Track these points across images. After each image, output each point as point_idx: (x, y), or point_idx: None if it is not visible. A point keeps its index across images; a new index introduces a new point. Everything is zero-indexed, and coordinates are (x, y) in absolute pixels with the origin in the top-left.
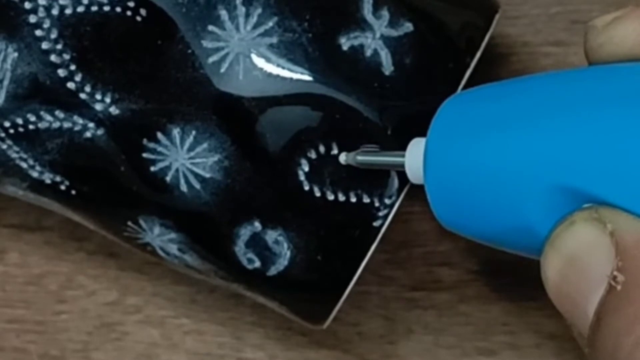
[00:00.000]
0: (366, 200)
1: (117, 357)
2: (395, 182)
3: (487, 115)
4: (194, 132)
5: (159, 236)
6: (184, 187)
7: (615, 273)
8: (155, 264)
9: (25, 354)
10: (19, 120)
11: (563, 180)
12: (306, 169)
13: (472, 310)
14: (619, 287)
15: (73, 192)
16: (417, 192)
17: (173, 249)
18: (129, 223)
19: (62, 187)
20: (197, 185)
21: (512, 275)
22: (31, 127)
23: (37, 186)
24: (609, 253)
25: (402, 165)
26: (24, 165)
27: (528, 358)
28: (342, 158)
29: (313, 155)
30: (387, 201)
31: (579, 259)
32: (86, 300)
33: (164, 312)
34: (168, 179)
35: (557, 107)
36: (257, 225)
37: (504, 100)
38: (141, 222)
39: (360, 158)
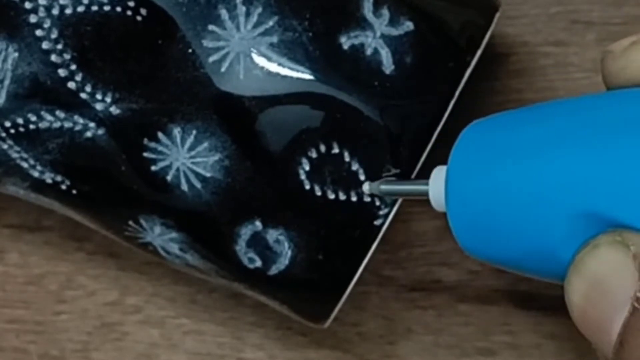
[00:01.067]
0: (367, 199)
1: (117, 357)
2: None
3: (507, 142)
4: (194, 132)
5: (160, 235)
6: (184, 187)
7: (638, 295)
8: (156, 264)
9: (25, 354)
10: (20, 120)
11: (585, 205)
12: (307, 168)
13: (472, 310)
14: None
15: (74, 191)
16: None
17: (174, 248)
18: (130, 222)
19: (63, 187)
20: (198, 185)
21: (512, 275)
22: (32, 126)
23: (38, 186)
24: (633, 275)
25: (426, 193)
26: (24, 165)
27: (528, 358)
28: (366, 188)
29: (314, 154)
30: (388, 200)
31: (603, 282)
32: (86, 300)
33: (164, 312)
34: (169, 178)
35: (578, 132)
36: (258, 224)
37: (524, 126)
38: (142, 221)
39: (384, 187)
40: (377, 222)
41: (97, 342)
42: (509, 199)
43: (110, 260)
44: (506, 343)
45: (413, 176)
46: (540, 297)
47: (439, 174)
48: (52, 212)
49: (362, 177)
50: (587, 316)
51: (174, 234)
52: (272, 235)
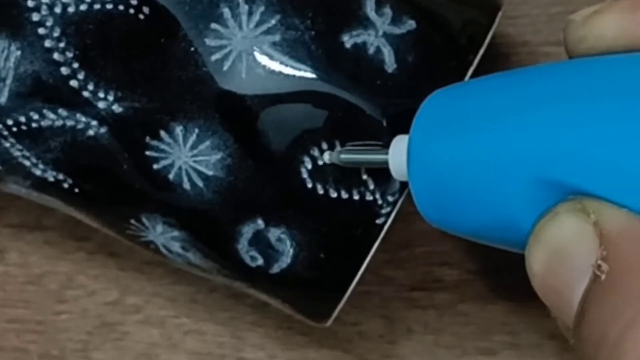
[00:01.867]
0: (369, 197)
1: (117, 356)
2: (398, 180)
3: (468, 111)
4: (196, 130)
5: (162, 234)
6: (186, 185)
7: (599, 262)
8: (156, 264)
9: (25, 354)
10: (22, 119)
11: (546, 173)
12: (309, 166)
13: (472, 310)
14: (603, 277)
15: (76, 190)
16: None
17: (176, 246)
18: (132, 221)
19: (65, 185)
20: (200, 183)
21: (512, 275)
22: (34, 125)
23: (40, 184)
24: (593, 243)
25: (386, 163)
26: (26, 163)
27: (528, 358)
28: (326, 157)
29: (316, 153)
30: (390, 198)
31: (564, 250)
32: (86, 300)
33: (164, 312)
34: (171, 177)
35: (537, 100)
36: (260, 223)
37: (484, 95)
38: (144, 220)
39: (343, 156)
40: (379, 221)
41: (97, 341)
42: (469, 168)
43: (110, 259)
44: (506, 343)
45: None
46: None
47: (399, 143)
48: (52, 211)
49: (364, 176)
50: (548, 285)
51: (175, 233)
52: (274, 233)
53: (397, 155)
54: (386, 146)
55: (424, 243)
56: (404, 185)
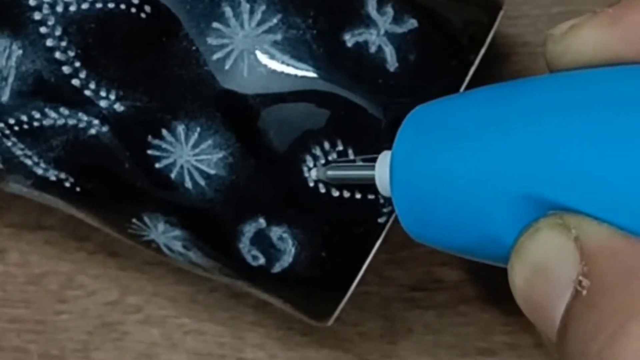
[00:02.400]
0: (371, 196)
1: (118, 356)
2: None
3: (450, 125)
4: (198, 129)
5: (164, 233)
6: (188, 184)
7: (580, 278)
8: (156, 263)
9: (25, 354)
10: (24, 117)
11: (527, 188)
12: (311, 165)
13: (472, 310)
14: (584, 292)
15: (78, 189)
16: None
17: (177, 246)
18: (134, 220)
19: (67, 185)
20: (202, 182)
21: None
22: (36, 124)
23: (42, 183)
24: (574, 258)
25: (372, 179)
26: (28, 162)
27: (528, 358)
28: (313, 174)
29: (318, 152)
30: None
31: (545, 266)
32: (86, 299)
33: (165, 312)
34: (173, 175)
35: (518, 115)
36: (262, 222)
37: (466, 110)
38: (145, 219)
39: (330, 173)
40: (380, 220)
41: (97, 341)
42: (451, 183)
43: (110, 259)
44: (506, 343)
45: None
46: None
47: (384, 158)
48: (52, 211)
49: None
50: (530, 300)
51: (177, 232)
52: (276, 232)
53: (383, 171)
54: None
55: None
56: None
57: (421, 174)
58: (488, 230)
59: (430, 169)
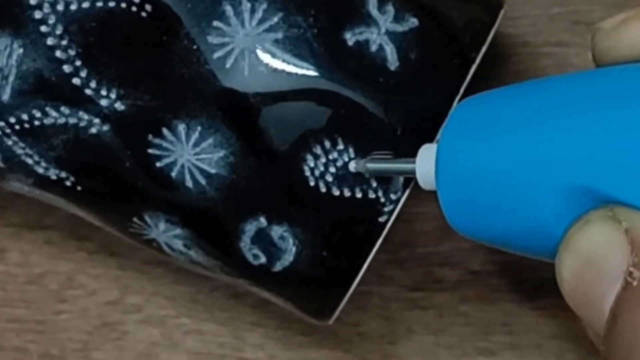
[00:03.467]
0: (371, 195)
1: (117, 356)
2: (401, 178)
3: (498, 118)
4: (199, 128)
5: (165, 232)
6: (189, 183)
7: (631, 269)
8: (156, 263)
9: (25, 354)
10: (25, 116)
11: (577, 180)
12: (311, 164)
13: (472, 310)
14: (635, 283)
15: (79, 188)
16: (418, 192)
17: (178, 244)
18: (135, 219)
19: (68, 183)
20: (203, 181)
21: (512, 275)
22: (36, 122)
23: (43, 182)
24: (625, 250)
25: (413, 172)
26: (29, 161)
27: (528, 358)
28: (352, 166)
29: (318, 150)
30: (393, 197)
31: (595, 258)
32: (86, 299)
33: (165, 312)
34: (173, 174)
35: (569, 107)
36: (263, 221)
37: (515, 102)
38: (146, 218)
39: (370, 165)
40: (381, 219)
41: (97, 341)
42: (500, 175)
43: (110, 259)
44: (506, 343)
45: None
46: (540, 297)
47: (426, 151)
48: (53, 211)
49: (367, 175)
50: (578, 292)
51: (178, 231)
52: (277, 231)
53: (425, 164)
54: (400, 153)
55: (424, 243)
56: (406, 183)
57: (468, 168)
58: (537, 222)
59: (478, 161)
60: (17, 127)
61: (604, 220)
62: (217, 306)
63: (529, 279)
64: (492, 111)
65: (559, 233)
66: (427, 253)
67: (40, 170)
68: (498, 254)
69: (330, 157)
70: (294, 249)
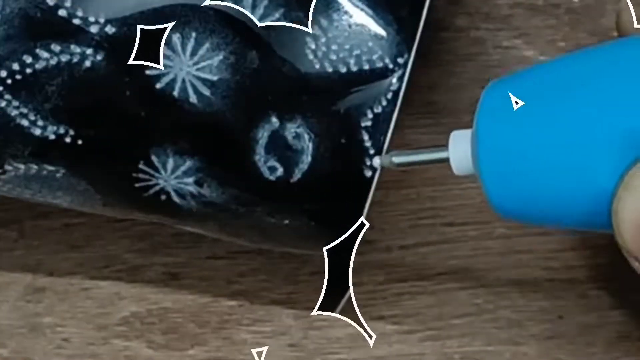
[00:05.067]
0: (379, 64)
1: None
2: (404, 39)
3: (534, 91)
4: (193, 34)
5: (173, 173)
6: (193, 98)
7: None
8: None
9: None
10: (15, 66)
11: (629, 126)
12: (313, 46)
13: (472, 309)
14: None
15: (79, 142)
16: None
17: (189, 186)
18: (141, 165)
19: (68, 140)
20: (207, 92)
21: (513, 276)
22: (28, 70)
23: (41, 148)
24: None
25: (447, 160)
26: (25, 122)
27: (529, 358)
28: (376, 162)
29: (317, 31)
30: (400, 60)
31: None
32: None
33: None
34: (176, 93)
35: (603, 69)
36: (275, 120)
37: (546, 75)
38: (153, 158)
39: (396, 159)
40: (393, 86)
41: None
42: (548, 145)
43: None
44: (506, 343)
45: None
46: (540, 298)
47: (459, 137)
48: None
49: (369, 43)
50: (638, 230)
51: (188, 163)
52: (290, 130)
53: (459, 150)
54: None
55: (425, 243)
56: (408, 45)
57: (512, 147)
58: (590, 182)
59: (522, 139)
60: (8, 81)
61: None
62: None
63: (529, 279)
64: (525, 87)
65: (612, 186)
66: (427, 252)
67: (37, 132)
68: (498, 254)
69: (330, 34)
70: (310, 145)
